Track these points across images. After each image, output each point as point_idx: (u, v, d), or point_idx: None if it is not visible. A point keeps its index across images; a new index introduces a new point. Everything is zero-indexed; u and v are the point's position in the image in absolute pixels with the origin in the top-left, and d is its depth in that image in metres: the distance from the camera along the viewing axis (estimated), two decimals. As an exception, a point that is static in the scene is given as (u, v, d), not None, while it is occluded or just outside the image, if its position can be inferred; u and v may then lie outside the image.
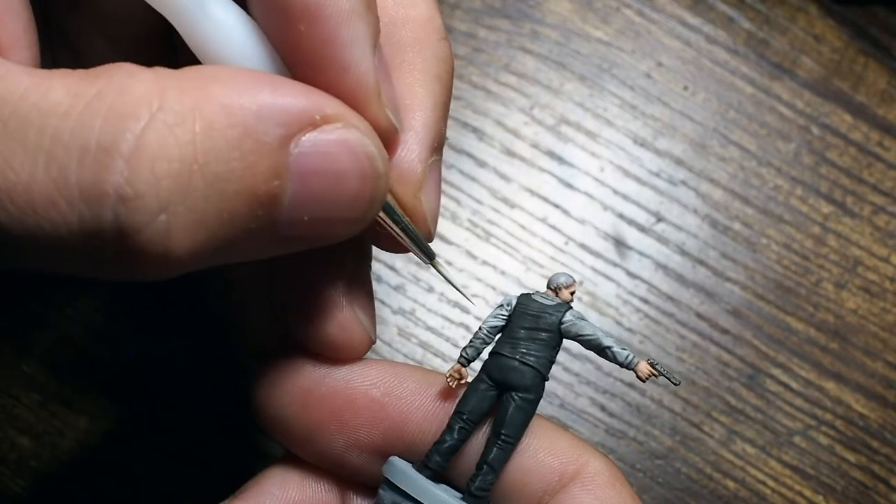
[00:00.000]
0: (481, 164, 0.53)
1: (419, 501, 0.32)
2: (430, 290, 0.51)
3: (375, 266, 0.51)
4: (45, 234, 0.23)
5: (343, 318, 0.32)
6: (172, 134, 0.23)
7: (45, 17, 0.30)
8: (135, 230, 0.23)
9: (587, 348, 0.33)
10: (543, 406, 0.50)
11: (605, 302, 0.52)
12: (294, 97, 0.25)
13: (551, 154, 0.54)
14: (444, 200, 0.47)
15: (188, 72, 0.24)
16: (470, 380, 0.33)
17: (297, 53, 0.27)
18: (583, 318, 0.33)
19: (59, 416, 0.48)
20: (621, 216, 0.53)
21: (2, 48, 0.26)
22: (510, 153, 0.54)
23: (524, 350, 0.32)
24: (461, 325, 0.51)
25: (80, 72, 0.23)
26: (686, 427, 0.50)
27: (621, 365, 0.32)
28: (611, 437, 0.50)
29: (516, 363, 0.32)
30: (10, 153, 0.22)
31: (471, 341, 0.34)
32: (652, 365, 0.32)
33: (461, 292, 0.35)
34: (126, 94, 0.23)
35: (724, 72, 0.56)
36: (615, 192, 0.54)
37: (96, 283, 0.49)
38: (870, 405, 0.51)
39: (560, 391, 0.50)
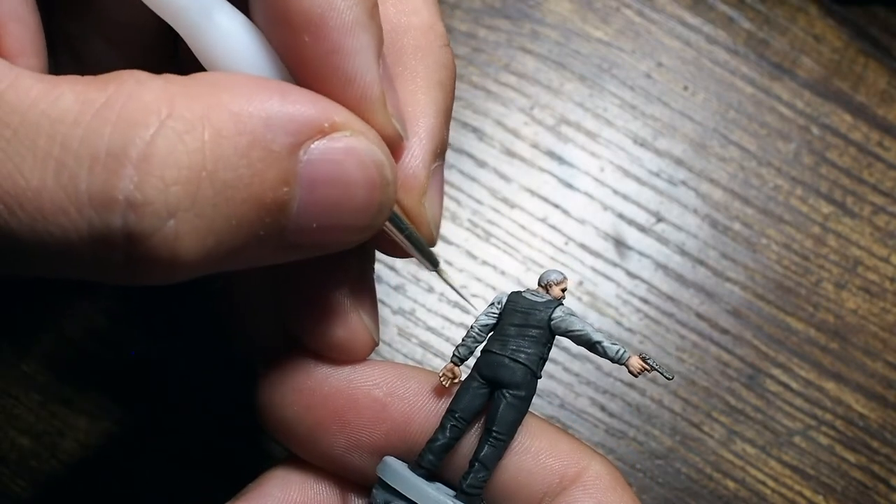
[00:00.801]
0: (481, 164, 0.53)
1: (412, 500, 0.32)
2: (430, 290, 0.51)
3: (375, 266, 0.51)
4: (55, 239, 0.23)
5: (347, 320, 0.32)
6: (182, 141, 0.23)
7: (47, 22, 0.30)
8: (144, 236, 0.23)
9: (578, 344, 0.33)
10: (543, 406, 0.50)
11: (605, 302, 0.52)
12: (303, 105, 0.25)
13: (551, 154, 0.54)
14: (444, 201, 0.47)
15: (197, 79, 0.24)
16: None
17: (301, 63, 0.27)
18: (573, 314, 0.33)
19: (59, 416, 0.48)
20: (621, 216, 0.53)
21: (10, 54, 0.26)
22: (510, 153, 0.54)
23: (514, 347, 0.32)
24: (461, 325, 0.51)
25: (88, 78, 0.23)
26: (686, 427, 0.50)
27: (612, 360, 0.32)
28: (611, 437, 0.50)
29: (506, 360, 0.32)
30: (20, 160, 0.22)
31: (463, 340, 0.34)
32: (643, 359, 0.32)
33: (465, 299, 0.36)
34: (135, 101, 0.23)
35: (724, 72, 0.56)
36: (615, 192, 0.54)
37: (97, 284, 0.49)
38: (870, 405, 0.51)
39: (560, 391, 0.50)
